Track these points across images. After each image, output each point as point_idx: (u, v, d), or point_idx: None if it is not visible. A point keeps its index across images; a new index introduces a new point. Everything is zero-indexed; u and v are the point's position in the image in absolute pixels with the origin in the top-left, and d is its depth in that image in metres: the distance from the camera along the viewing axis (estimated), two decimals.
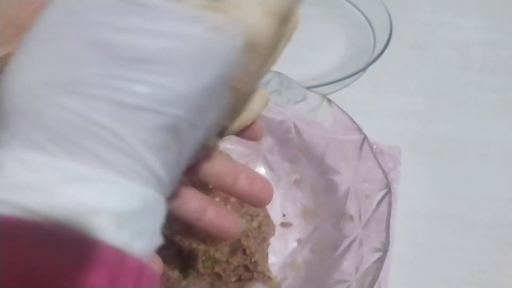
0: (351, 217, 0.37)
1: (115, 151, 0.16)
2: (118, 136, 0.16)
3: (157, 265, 0.26)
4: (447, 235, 0.43)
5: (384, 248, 0.34)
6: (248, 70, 0.18)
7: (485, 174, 0.47)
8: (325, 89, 0.50)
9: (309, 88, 0.40)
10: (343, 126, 0.39)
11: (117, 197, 0.16)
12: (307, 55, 0.58)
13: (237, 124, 0.25)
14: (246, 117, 0.25)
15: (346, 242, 0.37)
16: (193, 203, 0.27)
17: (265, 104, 0.26)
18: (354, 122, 0.38)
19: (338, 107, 0.39)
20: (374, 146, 0.46)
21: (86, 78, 0.16)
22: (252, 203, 0.30)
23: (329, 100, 0.39)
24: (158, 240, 0.19)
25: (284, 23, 0.19)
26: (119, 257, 0.16)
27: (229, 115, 0.21)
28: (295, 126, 0.42)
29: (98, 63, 0.16)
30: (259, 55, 0.18)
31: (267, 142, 0.43)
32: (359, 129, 0.38)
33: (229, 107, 0.20)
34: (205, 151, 0.26)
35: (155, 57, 0.16)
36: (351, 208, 0.38)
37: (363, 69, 0.53)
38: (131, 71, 0.16)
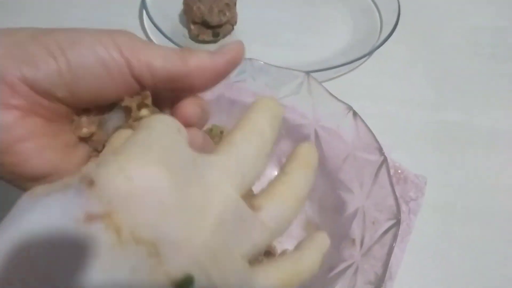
0: (353, 240, 0.35)
1: None
2: None
3: None
4: (454, 226, 0.41)
5: (378, 284, 0.31)
6: None
7: (493, 163, 0.45)
8: (330, 73, 0.48)
9: (313, 71, 0.38)
10: (364, 142, 0.36)
11: None
12: (313, 39, 0.56)
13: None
14: None
15: (342, 266, 0.34)
16: None
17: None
18: (377, 141, 0.35)
19: (363, 121, 0.36)
20: (399, 171, 0.43)
21: None
22: None
23: (354, 113, 0.37)
24: None
25: None
26: None
27: None
28: (316, 133, 0.39)
29: None
30: None
31: (285, 144, 0.41)
32: (380, 149, 0.35)
33: None
34: None
35: None
36: (355, 231, 0.35)
37: (369, 53, 0.50)
38: None
